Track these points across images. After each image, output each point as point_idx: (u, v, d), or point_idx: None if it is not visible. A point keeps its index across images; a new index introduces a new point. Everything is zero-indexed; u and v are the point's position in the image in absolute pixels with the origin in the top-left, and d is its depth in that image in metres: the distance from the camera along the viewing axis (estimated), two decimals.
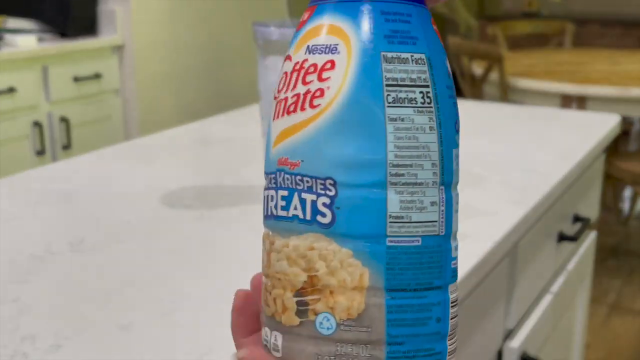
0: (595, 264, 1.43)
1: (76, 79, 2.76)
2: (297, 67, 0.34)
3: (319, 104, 0.32)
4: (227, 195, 0.97)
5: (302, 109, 0.33)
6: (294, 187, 0.33)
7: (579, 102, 2.60)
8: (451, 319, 0.34)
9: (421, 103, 0.32)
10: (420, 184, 0.32)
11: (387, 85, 0.32)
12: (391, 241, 0.32)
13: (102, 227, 0.86)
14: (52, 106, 2.71)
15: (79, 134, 2.81)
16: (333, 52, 0.33)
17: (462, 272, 0.74)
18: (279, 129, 0.34)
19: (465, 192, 0.98)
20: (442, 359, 0.33)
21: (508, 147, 1.19)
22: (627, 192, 3.46)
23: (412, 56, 0.32)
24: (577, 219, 1.23)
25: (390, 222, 0.32)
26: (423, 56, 0.32)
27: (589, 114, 1.41)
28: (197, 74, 3.29)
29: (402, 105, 0.32)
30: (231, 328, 0.38)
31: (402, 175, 0.32)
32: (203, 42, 3.30)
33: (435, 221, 0.33)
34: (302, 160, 0.33)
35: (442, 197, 0.33)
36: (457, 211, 0.34)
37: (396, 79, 0.32)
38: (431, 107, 0.32)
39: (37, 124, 2.63)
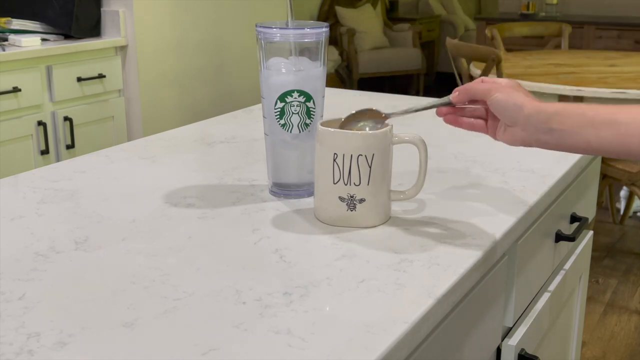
0: (591, 263, 1.44)
1: (80, 79, 2.77)
2: None
3: None
4: (230, 194, 0.98)
5: None
6: None
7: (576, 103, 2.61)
8: None
9: None
10: None
11: None
12: None
13: (106, 225, 0.87)
14: (56, 106, 2.72)
15: (83, 134, 2.82)
16: None
17: (461, 271, 0.75)
18: None
19: (465, 192, 0.99)
20: None
21: (507, 147, 1.20)
22: (623, 192, 3.46)
23: None
24: (574, 218, 1.24)
25: None
26: None
27: None
28: (200, 74, 3.30)
29: None
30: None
31: None
32: (206, 43, 3.31)
33: None
34: None
35: None
36: None
37: None
38: None
39: (41, 124, 2.64)
